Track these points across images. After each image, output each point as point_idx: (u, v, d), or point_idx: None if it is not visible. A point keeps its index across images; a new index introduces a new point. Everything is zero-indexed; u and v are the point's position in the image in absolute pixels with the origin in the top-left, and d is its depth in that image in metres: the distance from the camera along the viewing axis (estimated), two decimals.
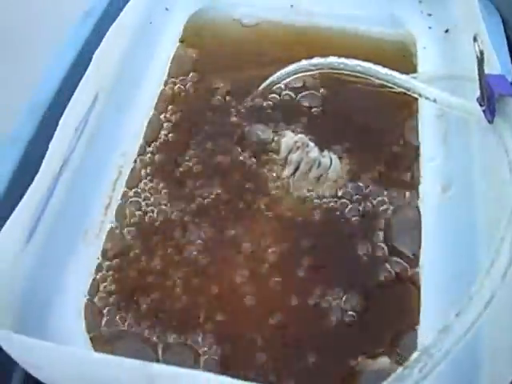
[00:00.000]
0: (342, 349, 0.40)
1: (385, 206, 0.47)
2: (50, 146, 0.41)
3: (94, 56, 0.47)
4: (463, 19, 0.53)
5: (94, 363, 0.32)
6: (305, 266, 0.44)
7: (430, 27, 0.57)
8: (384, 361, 0.39)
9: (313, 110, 0.55)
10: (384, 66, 0.51)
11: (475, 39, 0.42)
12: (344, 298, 0.42)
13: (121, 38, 0.51)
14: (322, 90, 0.56)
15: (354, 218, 0.47)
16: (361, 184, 0.49)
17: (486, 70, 0.44)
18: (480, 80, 0.42)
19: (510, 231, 0.35)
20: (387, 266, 0.44)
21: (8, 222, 0.38)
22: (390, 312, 0.42)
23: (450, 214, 0.45)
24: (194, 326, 0.42)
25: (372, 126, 0.54)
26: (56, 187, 0.43)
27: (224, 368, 0.39)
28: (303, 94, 0.56)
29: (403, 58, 0.57)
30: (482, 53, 0.41)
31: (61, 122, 0.42)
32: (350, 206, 0.48)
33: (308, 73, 0.54)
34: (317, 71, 0.53)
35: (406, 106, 0.54)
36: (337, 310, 0.42)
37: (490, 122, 0.42)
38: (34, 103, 0.50)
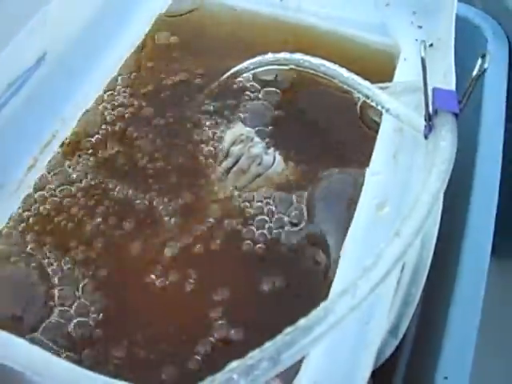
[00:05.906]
0: None
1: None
2: None
3: (40, 12, 0.45)
4: (446, 34, 0.49)
5: None
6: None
7: (416, 39, 0.53)
8: None
9: (274, 107, 0.52)
10: (360, 72, 0.48)
11: (424, 46, 0.38)
12: None
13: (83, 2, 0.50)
14: (289, 88, 0.53)
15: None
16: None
17: (442, 86, 0.41)
18: (425, 91, 0.39)
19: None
20: None
21: None
22: None
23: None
24: None
25: (331, 133, 0.51)
26: None
27: None
28: (268, 89, 0.53)
29: (383, 67, 0.53)
30: (423, 60, 0.37)
31: None
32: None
33: (272, 67, 0.51)
34: (281, 66, 0.51)
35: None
36: None
37: (426, 137, 0.38)
38: None
